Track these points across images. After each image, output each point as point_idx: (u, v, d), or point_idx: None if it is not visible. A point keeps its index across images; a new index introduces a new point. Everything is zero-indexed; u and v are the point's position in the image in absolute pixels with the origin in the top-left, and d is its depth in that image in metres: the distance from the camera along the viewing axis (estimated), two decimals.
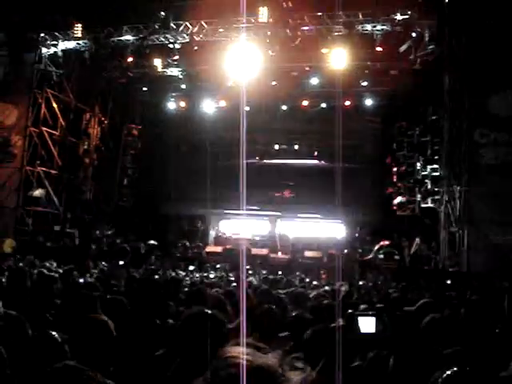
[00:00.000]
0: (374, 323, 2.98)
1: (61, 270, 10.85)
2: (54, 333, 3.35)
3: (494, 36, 17.87)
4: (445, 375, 2.18)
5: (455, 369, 2.19)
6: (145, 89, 24.92)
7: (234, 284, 10.95)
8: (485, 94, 18.18)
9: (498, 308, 6.94)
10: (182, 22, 20.10)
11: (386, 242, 20.82)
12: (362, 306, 6.18)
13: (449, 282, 14.39)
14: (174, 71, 22.55)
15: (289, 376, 1.46)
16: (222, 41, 20.34)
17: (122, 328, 4.74)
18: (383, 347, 3.26)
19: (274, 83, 22.98)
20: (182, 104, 25.75)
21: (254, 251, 22.18)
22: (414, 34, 19.05)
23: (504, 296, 7.02)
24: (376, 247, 20.78)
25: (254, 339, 3.63)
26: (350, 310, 2.94)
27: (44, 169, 21.83)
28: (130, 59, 21.18)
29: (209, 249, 22.93)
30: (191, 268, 17.11)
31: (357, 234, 23.41)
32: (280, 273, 16.38)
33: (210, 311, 3.20)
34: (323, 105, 23.99)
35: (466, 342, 4.22)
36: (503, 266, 16.35)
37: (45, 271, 10.05)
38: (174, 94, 25.47)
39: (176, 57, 20.90)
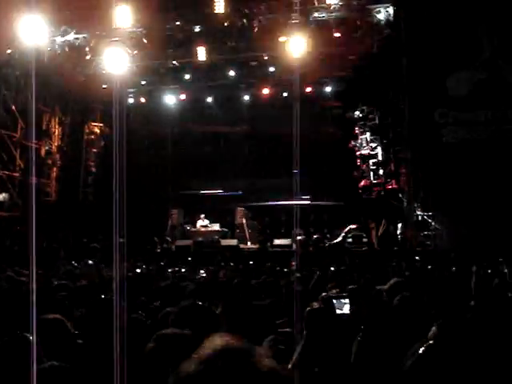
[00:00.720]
0: (348, 305, 3.04)
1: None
2: (27, 335, 3.35)
3: (450, 17, 18.12)
4: (423, 348, 2.24)
5: (431, 342, 2.26)
6: (104, 86, 24.72)
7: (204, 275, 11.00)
8: (442, 74, 18.42)
9: (465, 286, 7.11)
10: (138, 17, 19.98)
11: (354, 226, 20.98)
12: (335, 290, 6.27)
13: (417, 258, 14.62)
14: (131, 67, 22.37)
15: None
16: (178, 34, 20.31)
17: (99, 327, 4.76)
18: (358, 327, 3.34)
19: (232, 74, 23.07)
20: (142, 100, 25.78)
21: (224, 242, 22.23)
22: (369, 19, 19.21)
23: (471, 275, 7.19)
24: (344, 231, 20.94)
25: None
26: (324, 294, 3.00)
27: (6, 172, 21.53)
28: (88, 57, 20.98)
29: (178, 243, 22.87)
30: (162, 263, 17.05)
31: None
32: (251, 262, 16.43)
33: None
34: (285, 94, 24.03)
35: (436, 319, 4.33)
36: (468, 246, 16.68)
37: (13, 275, 9.97)
38: (133, 90, 25.36)
39: (133, 52, 20.82)
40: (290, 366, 2.90)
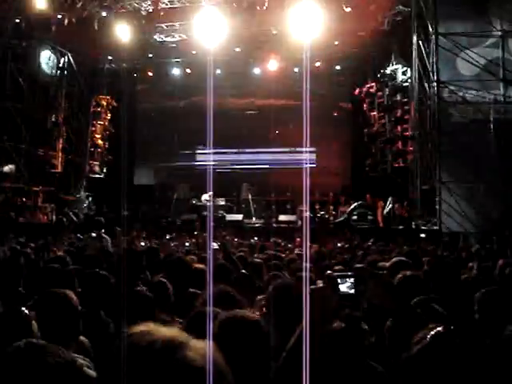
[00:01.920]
0: (353, 284, 3.00)
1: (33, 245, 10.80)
2: (23, 309, 3.32)
3: None
4: (432, 333, 2.19)
5: (440, 329, 2.21)
6: (110, 58, 24.61)
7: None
8: (452, 53, 18.24)
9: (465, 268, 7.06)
10: None
11: (358, 203, 20.93)
12: (338, 267, 6.23)
13: (422, 236, 14.61)
14: (140, 39, 22.20)
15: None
16: (187, 7, 20.14)
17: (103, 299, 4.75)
18: (362, 308, 3.31)
19: (238, 49, 22.93)
20: (150, 73, 25.74)
21: (229, 217, 22.27)
22: None
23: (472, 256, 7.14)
24: (349, 208, 20.90)
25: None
26: (328, 272, 2.95)
27: (12, 143, 21.50)
28: (96, 28, 20.82)
29: (183, 217, 22.90)
30: (168, 237, 17.06)
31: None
32: (255, 238, 16.43)
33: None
34: (296, 69, 23.76)
35: (438, 300, 4.30)
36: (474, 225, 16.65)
37: (17, 247, 10.00)
38: (140, 62, 25.27)
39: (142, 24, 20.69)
40: (287, 348, 2.86)
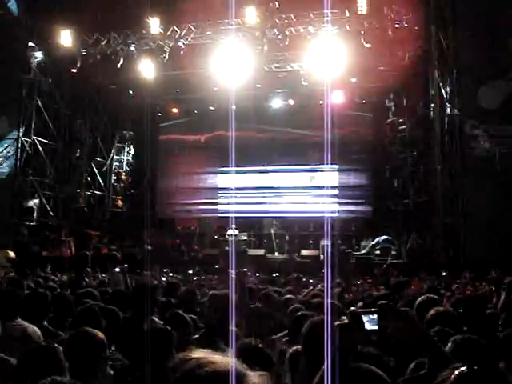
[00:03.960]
0: (377, 320, 3.00)
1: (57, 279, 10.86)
2: (56, 345, 3.36)
3: (482, 27, 17.98)
4: (457, 372, 2.18)
5: (463, 368, 2.19)
6: (131, 92, 24.89)
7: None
8: (474, 85, 18.27)
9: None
10: (169, 26, 20.19)
11: (383, 237, 20.83)
12: (360, 304, 6.19)
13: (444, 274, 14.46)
14: (164, 75, 22.46)
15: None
16: (209, 43, 20.44)
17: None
18: (387, 344, 3.30)
19: (258, 86, 23.13)
20: (174, 109, 26.01)
21: (251, 252, 22.23)
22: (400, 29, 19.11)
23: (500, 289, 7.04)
24: (372, 243, 20.81)
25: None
26: (352, 308, 2.96)
27: (37, 178, 21.80)
28: (119, 65, 21.14)
29: (206, 252, 22.94)
30: (190, 272, 17.09)
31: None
32: (277, 274, 16.38)
33: None
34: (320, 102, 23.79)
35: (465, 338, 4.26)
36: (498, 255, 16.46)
37: (41, 281, 10.07)
38: (164, 98, 25.55)
39: (165, 61, 20.98)
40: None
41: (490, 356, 3.67)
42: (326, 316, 2.78)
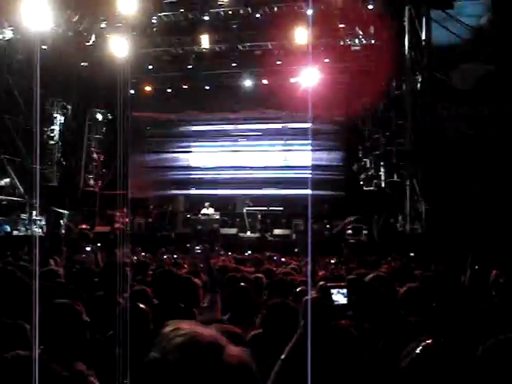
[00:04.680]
0: (346, 295, 3.04)
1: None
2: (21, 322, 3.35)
3: (453, 11, 18.12)
4: (421, 347, 2.23)
5: (429, 341, 2.24)
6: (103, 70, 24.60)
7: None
8: (446, 68, 18.40)
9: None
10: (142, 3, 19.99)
11: (353, 217, 20.99)
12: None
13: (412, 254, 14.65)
14: (137, 53, 22.27)
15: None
16: (182, 21, 20.34)
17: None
18: (355, 318, 3.35)
19: (234, 65, 23.09)
20: (148, 88, 25.74)
21: (224, 231, 22.30)
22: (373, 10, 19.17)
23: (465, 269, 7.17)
24: (344, 222, 20.96)
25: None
26: (321, 282, 3.00)
27: (8, 157, 21.54)
28: (91, 42, 20.92)
29: (178, 231, 22.95)
30: (162, 250, 17.07)
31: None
32: (249, 252, 16.47)
33: None
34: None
35: (431, 313, 4.36)
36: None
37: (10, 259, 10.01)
38: (138, 77, 25.31)
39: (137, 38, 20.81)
40: (282, 357, 2.90)
41: (457, 330, 3.76)
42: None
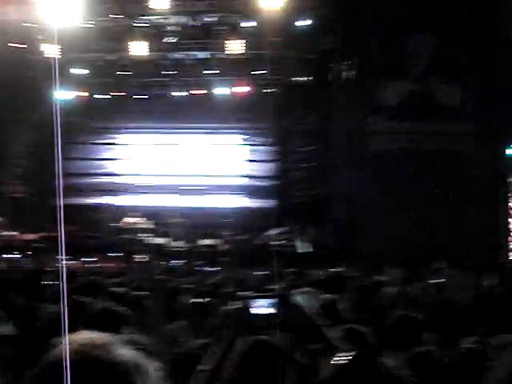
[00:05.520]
0: (267, 306, 3.03)
1: None
2: None
3: (386, 25, 18.52)
4: (342, 359, 2.24)
5: (349, 355, 2.26)
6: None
7: None
8: (375, 83, 18.80)
9: None
10: None
11: (282, 229, 21.12)
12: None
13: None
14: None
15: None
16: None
17: None
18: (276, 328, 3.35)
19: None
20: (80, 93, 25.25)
21: (151, 240, 22.04)
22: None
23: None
24: (272, 232, 21.04)
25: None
26: (241, 293, 2.98)
27: None
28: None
29: (104, 239, 22.56)
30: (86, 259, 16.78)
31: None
32: (177, 262, 16.41)
33: None
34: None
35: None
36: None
37: None
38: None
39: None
40: (208, 367, 2.88)
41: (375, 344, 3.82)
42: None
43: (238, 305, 2.95)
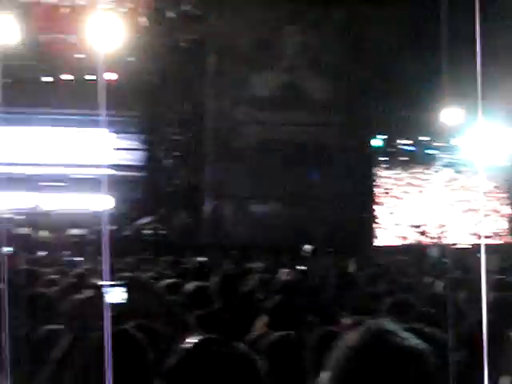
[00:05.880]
0: (122, 292, 3.02)
1: None
2: None
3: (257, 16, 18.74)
4: (192, 340, 2.25)
5: (199, 338, 2.27)
6: None
7: None
8: (246, 73, 18.98)
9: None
10: None
11: (149, 218, 21.00)
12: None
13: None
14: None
15: None
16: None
17: None
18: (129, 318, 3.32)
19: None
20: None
21: (16, 230, 21.21)
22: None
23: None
24: (140, 222, 20.86)
25: None
26: (96, 281, 2.94)
27: None
28: None
29: None
30: None
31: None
32: (46, 252, 15.94)
33: None
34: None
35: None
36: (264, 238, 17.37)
37: None
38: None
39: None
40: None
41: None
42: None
43: (90, 293, 2.90)
